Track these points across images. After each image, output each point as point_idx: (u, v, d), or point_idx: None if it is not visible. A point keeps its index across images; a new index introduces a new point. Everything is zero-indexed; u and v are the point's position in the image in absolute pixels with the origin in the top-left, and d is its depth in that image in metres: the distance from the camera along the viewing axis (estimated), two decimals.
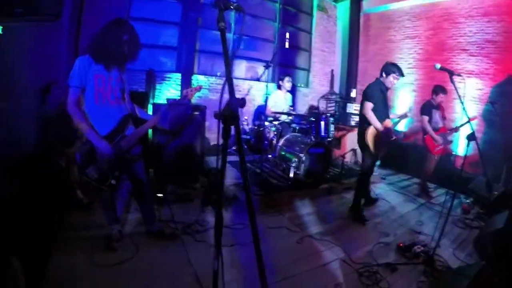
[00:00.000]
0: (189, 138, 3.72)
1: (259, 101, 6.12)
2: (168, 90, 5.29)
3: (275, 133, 4.30)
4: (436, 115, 4.06)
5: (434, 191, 4.31)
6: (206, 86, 5.58)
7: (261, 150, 4.19)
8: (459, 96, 2.32)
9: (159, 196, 3.05)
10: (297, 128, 4.52)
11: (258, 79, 4.46)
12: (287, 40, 5.07)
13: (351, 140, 5.16)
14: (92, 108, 1.98)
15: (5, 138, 2.58)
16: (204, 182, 3.67)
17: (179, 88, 5.33)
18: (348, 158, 5.08)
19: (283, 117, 4.49)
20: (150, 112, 3.80)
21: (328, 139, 4.63)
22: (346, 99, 6.84)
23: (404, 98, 6.28)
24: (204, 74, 5.63)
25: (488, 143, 4.73)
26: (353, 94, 6.95)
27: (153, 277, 1.95)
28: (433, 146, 4.01)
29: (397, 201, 3.89)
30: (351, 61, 7.05)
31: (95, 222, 2.47)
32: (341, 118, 6.34)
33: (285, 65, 6.70)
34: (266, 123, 4.40)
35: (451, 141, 4.17)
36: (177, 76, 5.35)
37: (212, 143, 5.23)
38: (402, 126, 6.06)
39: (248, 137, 4.63)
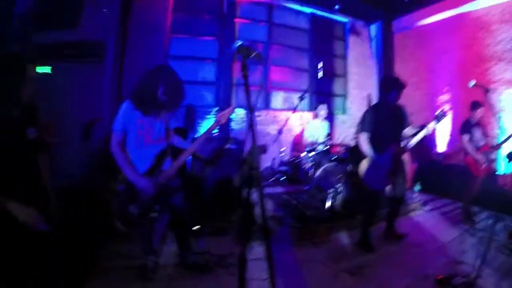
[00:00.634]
0: (226, 170, 3.75)
1: (297, 131, 6.05)
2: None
3: (312, 163, 4.23)
4: (477, 132, 3.72)
5: (477, 215, 3.85)
6: (245, 118, 5.60)
7: (298, 181, 4.08)
8: (496, 112, 2.08)
9: (195, 229, 3.06)
10: (335, 157, 4.35)
11: (294, 110, 4.42)
12: (321, 68, 5.00)
13: None
14: (132, 150, 2.09)
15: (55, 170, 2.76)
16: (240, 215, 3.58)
17: None
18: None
19: (320, 147, 4.39)
20: None
21: None
22: None
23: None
24: (242, 107, 5.67)
25: None
26: None
27: None
28: (475, 166, 3.64)
29: (437, 229, 3.60)
30: None
31: (132, 252, 2.52)
32: None
33: (321, 93, 6.62)
34: (303, 154, 4.29)
35: (494, 159, 3.77)
36: (217, 110, 5.49)
37: None
38: (443, 146, 5.47)
39: (286, 168, 4.55)
